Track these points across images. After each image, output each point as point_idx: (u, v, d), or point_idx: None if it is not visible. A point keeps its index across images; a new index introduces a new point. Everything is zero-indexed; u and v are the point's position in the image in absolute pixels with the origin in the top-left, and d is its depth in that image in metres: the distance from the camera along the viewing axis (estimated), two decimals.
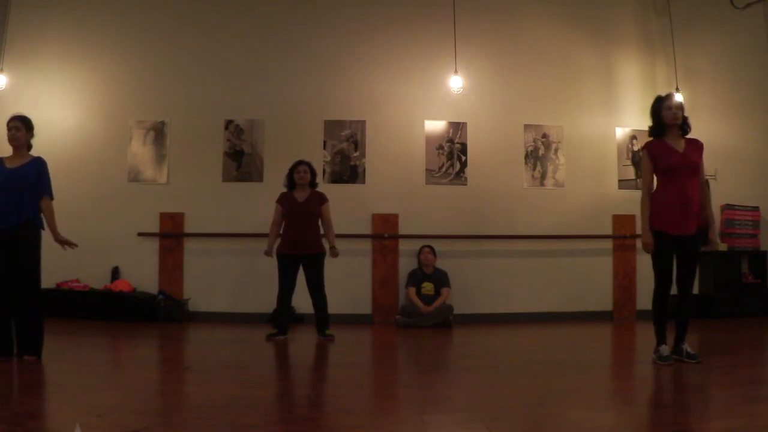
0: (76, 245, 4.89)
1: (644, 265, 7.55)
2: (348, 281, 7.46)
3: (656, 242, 4.63)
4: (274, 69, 7.78)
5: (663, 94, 4.93)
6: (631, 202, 7.41)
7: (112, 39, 7.72)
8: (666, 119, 4.64)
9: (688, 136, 4.72)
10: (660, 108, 4.68)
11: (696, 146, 4.67)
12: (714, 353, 5.23)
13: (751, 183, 8.16)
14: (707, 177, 4.82)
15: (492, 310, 7.66)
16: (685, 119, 4.69)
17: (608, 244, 7.96)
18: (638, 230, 4.76)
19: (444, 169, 7.84)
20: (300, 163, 6.30)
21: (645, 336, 5.67)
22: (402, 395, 3.90)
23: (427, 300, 7.26)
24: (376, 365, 5.26)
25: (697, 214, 4.58)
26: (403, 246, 7.68)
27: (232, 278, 7.53)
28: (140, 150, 7.66)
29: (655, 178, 4.73)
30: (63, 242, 4.81)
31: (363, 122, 7.79)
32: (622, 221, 7.92)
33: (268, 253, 6.17)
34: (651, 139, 4.77)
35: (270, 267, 6.30)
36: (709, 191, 4.77)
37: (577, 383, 4.05)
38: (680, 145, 4.64)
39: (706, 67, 8.22)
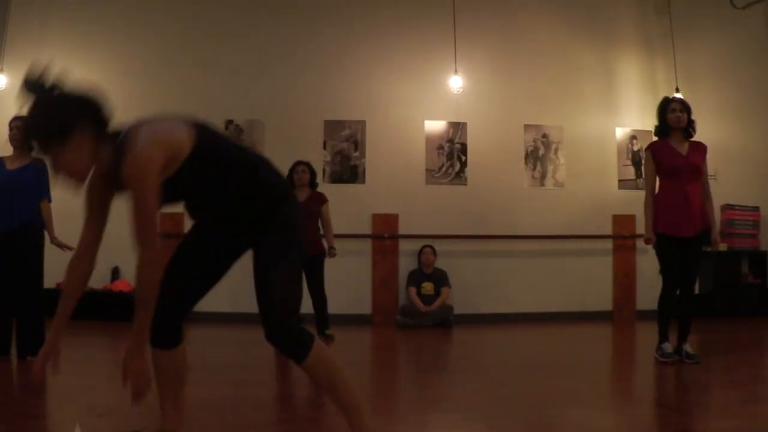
0: (72, 248, 4.90)
1: (644, 265, 7.56)
2: (348, 281, 7.44)
3: (659, 244, 4.65)
4: (274, 69, 7.77)
5: (670, 96, 4.95)
6: (631, 202, 7.42)
7: (113, 39, 7.71)
8: (670, 122, 4.67)
9: (692, 139, 4.74)
10: (665, 110, 4.71)
11: (699, 149, 4.70)
12: (714, 353, 5.24)
13: (751, 183, 8.16)
14: (708, 177, 4.83)
15: (492, 310, 7.65)
16: (691, 122, 4.70)
17: (608, 244, 7.95)
18: (638, 230, 4.79)
19: (444, 169, 7.84)
20: (299, 163, 6.30)
21: (645, 336, 5.68)
22: (402, 395, 3.90)
23: (427, 300, 7.26)
24: (376, 365, 5.26)
25: (698, 216, 4.59)
26: (403, 246, 7.67)
27: (232, 278, 7.43)
28: None
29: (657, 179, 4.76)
30: (60, 245, 4.81)
31: (363, 122, 7.79)
32: (622, 221, 7.91)
33: None
34: (655, 139, 4.81)
35: None
36: (710, 191, 4.79)
37: (577, 383, 4.05)
38: (683, 148, 4.67)
39: (706, 68, 8.21)
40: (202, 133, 2.16)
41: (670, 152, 4.65)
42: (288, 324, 2.29)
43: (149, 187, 2.01)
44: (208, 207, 2.31)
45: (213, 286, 2.45)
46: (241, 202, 2.26)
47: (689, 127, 4.70)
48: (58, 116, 1.99)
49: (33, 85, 2.01)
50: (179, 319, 2.38)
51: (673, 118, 4.65)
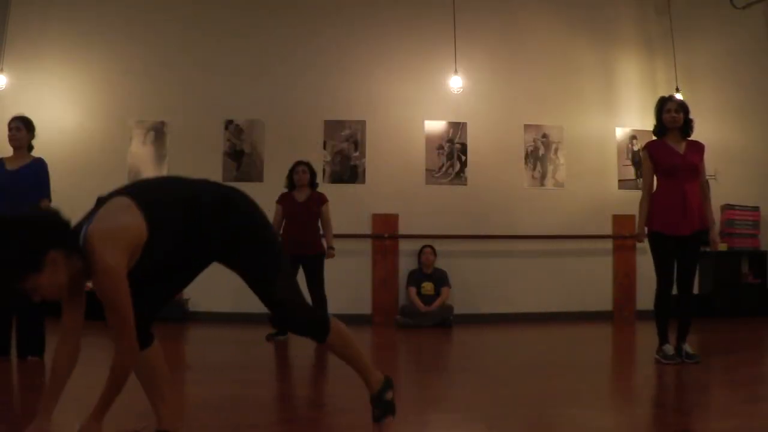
0: None
1: (644, 265, 7.55)
2: (348, 281, 7.44)
3: (656, 243, 4.64)
4: (274, 69, 7.77)
5: (666, 95, 4.94)
6: (631, 202, 7.38)
7: (113, 39, 7.70)
8: (665, 122, 4.67)
9: (690, 138, 4.74)
10: (661, 110, 4.71)
11: (697, 148, 4.69)
12: (714, 353, 5.24)
13: (751, 183, 8.16)
14: (707, 177, 4.82)
15: (492, 310, 7.65)
16: (689, 122, 4.70)
17: (608, 244, 7.96)
18: (637, 229, 4.79)
19: (444, 169, 7.84)
20: (299, 163, 6.31)
21: (645, 336, 5.68)
22: (402, 395, 3.89)
23: (427, 300, 7.26)
24: (376, 365, 5.25)
25: (696, 215, 4.59)
26: (403, 246, 7.67)
27: (232, 278, 7.40)
28: (140, 150, 7.65)
29: (655, 178, 4.75)
30: None
31: (363, 122, 7.79)
32: (622, 221, 7.91)
33: None
34: (653, 138, 4.80)
35: None
36: (708, 191, 4.79)
37: (577, 383, 4.05)
38: (681, 147, 4.66)
39: (706, 68, 8.21)
40: (149, 203, 2.19)
41: (668, 151, 4.65)
42: (304, 313, 2.53)
43: (121, 291, 2.11)
44: (180, 261, 2.43)
45: (183, 289, 2.52)
46: (210, 242, 2.39)
47: (686, 127, 4.70)
48: (28, 252, 2.00)
49: None
50: (149, 321, 2.47)
51: (668, 118, 4.65)
